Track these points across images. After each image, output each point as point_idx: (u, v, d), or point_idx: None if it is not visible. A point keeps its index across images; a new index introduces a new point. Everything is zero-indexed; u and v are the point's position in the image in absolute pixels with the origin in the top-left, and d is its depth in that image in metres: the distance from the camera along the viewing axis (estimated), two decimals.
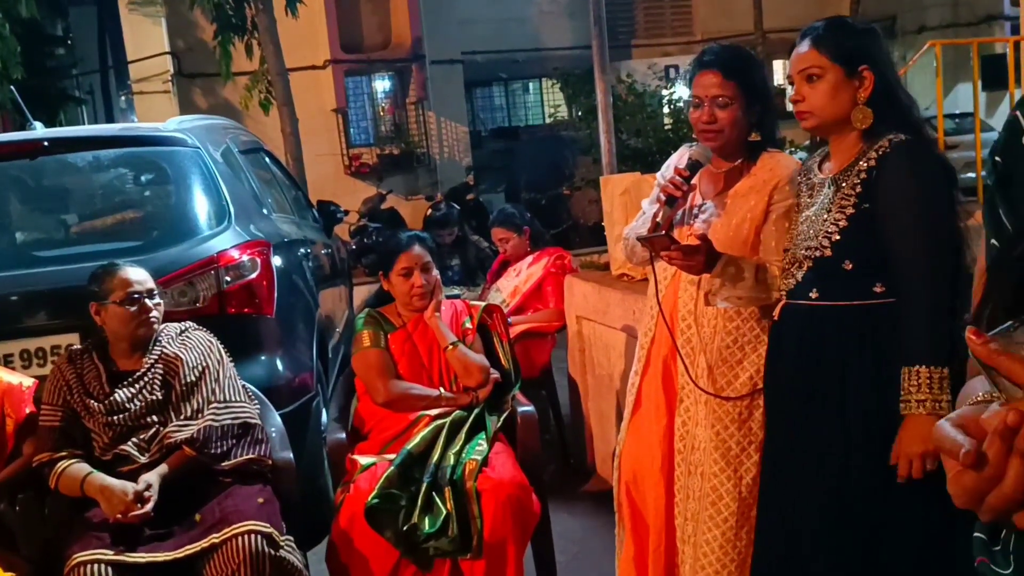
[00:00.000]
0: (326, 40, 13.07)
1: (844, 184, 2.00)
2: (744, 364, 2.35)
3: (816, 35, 2.03)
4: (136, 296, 2.58)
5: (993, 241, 0.82)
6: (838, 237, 1.99)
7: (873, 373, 1.95)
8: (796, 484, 2.13)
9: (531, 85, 16.12)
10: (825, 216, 2.02)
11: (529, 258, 4.43)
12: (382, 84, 14.49)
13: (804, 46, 2.04)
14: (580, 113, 12.05)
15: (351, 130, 13.73)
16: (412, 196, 13.19)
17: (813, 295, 2.05)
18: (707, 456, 2.38)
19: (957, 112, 11.50)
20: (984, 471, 0.68)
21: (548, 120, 15.00)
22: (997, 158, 0.82)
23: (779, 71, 14.28)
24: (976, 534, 0.76)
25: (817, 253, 2.03)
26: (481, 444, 2.78)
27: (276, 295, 3.41)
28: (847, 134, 2.03)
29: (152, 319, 2.60)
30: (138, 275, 2.62)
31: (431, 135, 13.97)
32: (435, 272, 3.03)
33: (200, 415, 2.57)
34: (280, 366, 3.40)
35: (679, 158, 2.48)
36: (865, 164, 1.97)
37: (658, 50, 15.29)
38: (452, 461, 2.70)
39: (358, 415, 3.06)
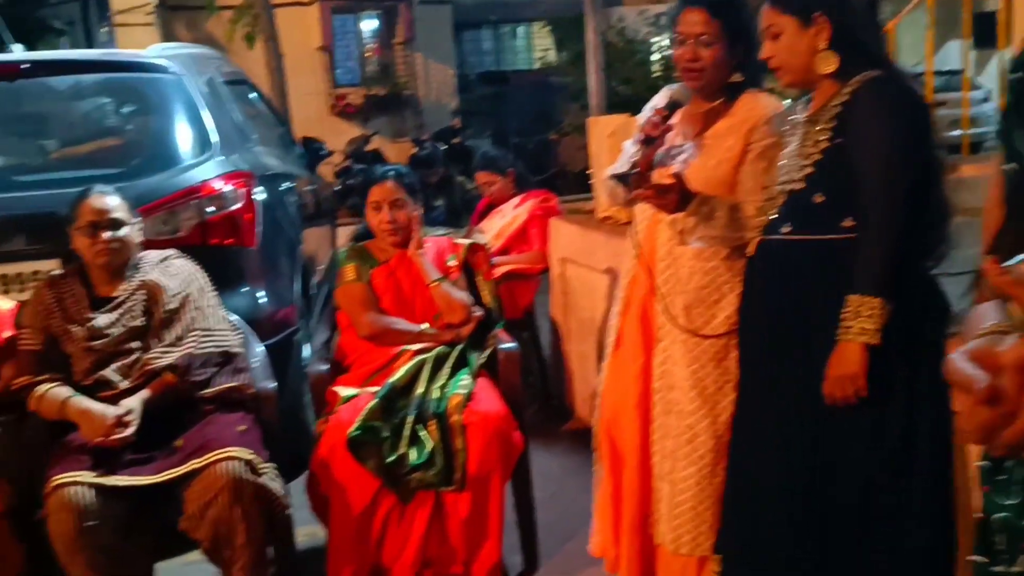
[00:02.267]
0: None
1: (820, 120, 2.02)
2: (722, 304, 2.36)
3: None
4: (96, 224, 2.55)
5: (1012, 166, 0.80)
6: (811, 171, 2.01)
7: (838, 306, 1.96)
8: (767, 420, 2.16)
9: (520, 29, 15.90)
10: (800, 151, 2.05)
11: (515, 200, 4.41)
12: (369, 23, 14.26)
13: (765, 5, 2.06)
14: (569, 58, 11.91)
15: (337, 69, 13.54)
16: (398, 138, 13.08)
17: (785, 230, 2.07)
18: (684, 395, 2.40)
19: (946, 69, 11.44)
20: (999, 406, 0.66)
21: (537, 65, 14.83)
22: (1013, 76, 0.79)
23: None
24: (980, 463, 0.76)
25: (790, 187, 2.05)
26: (465, 379, 2.80)
27: (259, 227, 3.39)
28: (824, 79, 2.04)
29: (111, 249, 2.55)
30: (104, 203, 2.57)
31: (418, 77, 13.80)
32: (410, 209, 2.99)
33: (182, 342, 2.57)
34: (263, 298, 3.39)
35: (659, 98, 2.48)
36: (839, 100, 1.99)
37: None
38: (437, 395, 2.72)
39: (340, 348, 3.07)
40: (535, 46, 15.57)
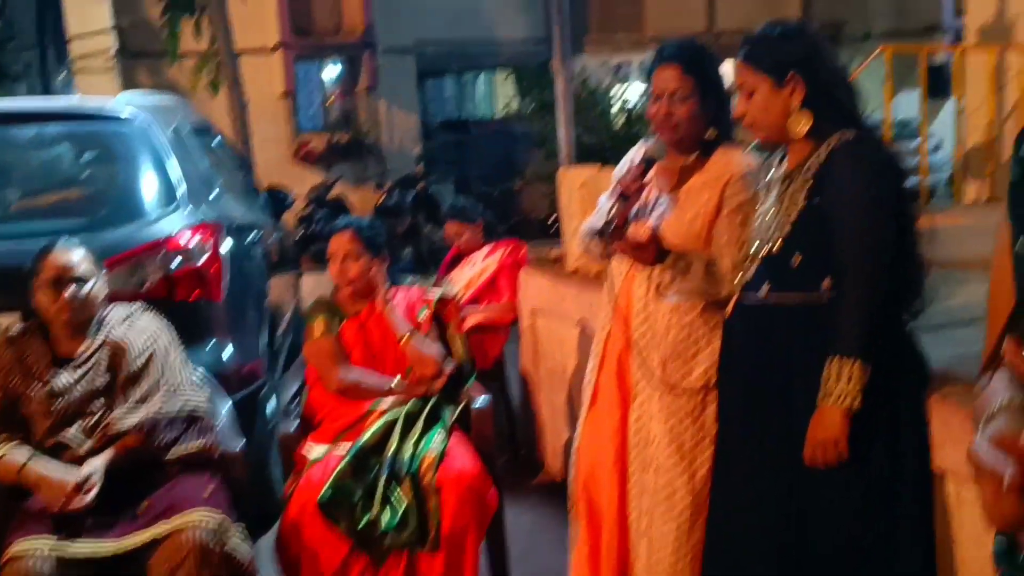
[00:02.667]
0: (276, 23, 12.84)
1: (796, 180, 2.03)
2: (698, 358, 2.36)
3: (744, 50, 2.07)
4: (59, 280, 2.47)
5: (1022, 245, 0.77)
6: (789, 230, 2.02)
7: (818, 367, 1.96)
8: (747, 478, 2.15)
9: (483, 77, 16.04)
10: (777, 211, 2.05)
11: (484, 250, 4.40)
12: (332, 70, 14.30)
13: (737, 62, 2.08)
14: (533, 106, 12.01)
15: (299, 116, 13.53)
16: (360, 184, 13.04)
17: (764, 290, 2.07)
18: (661, 451, 2.38)
19: (899, 118, 11.71)
20: None
21: (500, 113, 14.95)
22: (1022, 152, 0.78)
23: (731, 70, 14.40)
24: (998, 540, 0.74)
25: (768, 247, 2.05)
26: (438, 436, 2.75)
27: (225, 280, 3.33)
28: (797, 137, 2.05)
29: (74, 306, 2.47)
30: (68, 258, 2.50)
31: (381, 124, 13.82)
32: (366, 262, 2.95)
33: (147, 402, 2.49)
34: (229, 353, 3.32)
35: (635, 153, 2.49)
36: (816, 160, 2.00)
37: (610, 47, 15.33)
38: (409, 453, 2.67)
39: (309, 404, 3.00)
40: (498, 94, 15.70)
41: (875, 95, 7.52)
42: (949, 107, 7.50)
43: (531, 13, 13.71)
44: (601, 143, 9.68)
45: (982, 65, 6.33)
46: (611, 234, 2.30)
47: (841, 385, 1.89)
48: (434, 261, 5.26)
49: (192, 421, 2.57)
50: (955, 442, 1.94)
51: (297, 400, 3.09)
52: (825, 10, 15.60)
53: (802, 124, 2.01)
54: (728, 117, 2.40)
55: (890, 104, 6.32)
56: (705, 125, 2.38)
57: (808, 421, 1.96)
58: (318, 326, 2.96)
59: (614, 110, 11.50)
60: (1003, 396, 0.74)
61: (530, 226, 11.30)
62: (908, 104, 9.24)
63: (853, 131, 1.99)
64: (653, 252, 2.28)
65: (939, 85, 8.83)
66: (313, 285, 5.65)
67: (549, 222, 8.85)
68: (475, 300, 4.25)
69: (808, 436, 1.95)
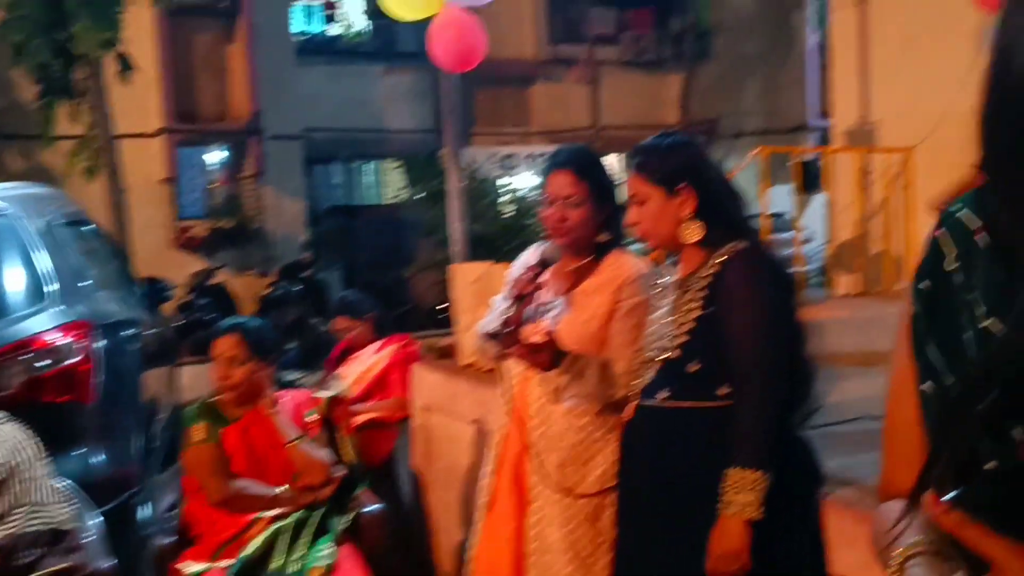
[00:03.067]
0: (159, 108, 12.60)
1: (691, 288, 2.06)
2: (595, 462, 2.35)
3: (636, 161, 2.13)
4: None
5: (929, 384, 0.76)
6: (685, 339, 2.04)
7: (717, 475, 1.96)
8: None
9: (373, 165, 16.09)
10: (673, 318, 2.07)
11: (374, 345, 4.30)
12: (217, 156, 14.08)
13: (629, 173, 2.13)
14: (423, 195, 12.08)
15: (182, 201, 13.21)
16: (244, 271, 12.74)
17: (662, 396, 2.08)
18: (558, 557, 2.35)
19: (772, 212, 12.31)
20: None
21: (389, 201, 14.98)
22: (921, 285, 0.76)
23: (615, 165, 14.91)
24: None
25: (666, 354, 2.07)
26: (326, 548, 2.62)
27: (98, 381, 3.13)
28: (691, 245, 2.10)
29: None
30: None
31: (267, 210, 13.62)
32: (252, 366, 2.84)
33: (6, 520, 2.28)
34: (100, 459, 3.11)
35: (530, 256, 2.50)
36: (710, 270, 2.04)
37: (496, 139, 15.67)
38: (295, 568, 2.53)
39: (186, 516, 2.83)
40: (387, 182, 15.75)
41: (751, 189, 7.90)
42: (820, 200, 7.91)
43: (421, 104, 13.93)
44: (490, 233, 9.78)
45: (849, 165, 6.72)
46: (506, 336, 2.28)
47: (742, 496, 1.89)
48: (321, 352, 5.11)
49: (57, 539, 2.36)
50: (850, 546, 1.95)
51: (174, 510, 2.90)
52: (700, 109, 16.44)
53: (693, 233, 2.06)
54: (620, 220, 2.44)
55: (764, 199, 6.63)
56: (598, 228, 2.41)
57: (708, 527, 1.95)
58: (197, 432, 2.81)
59: (503, 200, 11.69)
60: (915, 537, 0.72)
61: (420, 315, 11.24)
62: (781, 198, 9.72)
63: (745, 242, 2.04)
64: (549, 356, 2.28)
65: (810, 180, 9.35)
66: (193, 377, 5.41)
67: (439, 311, 8.83)
68: (365, 396, 4.13)
69: (710, 548, 1.93)
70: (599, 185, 2.39)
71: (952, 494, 0.67)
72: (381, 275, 11.68)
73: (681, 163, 2.08)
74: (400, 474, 4.37)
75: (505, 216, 11.09)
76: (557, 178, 2.39)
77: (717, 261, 2.03)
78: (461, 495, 3.75)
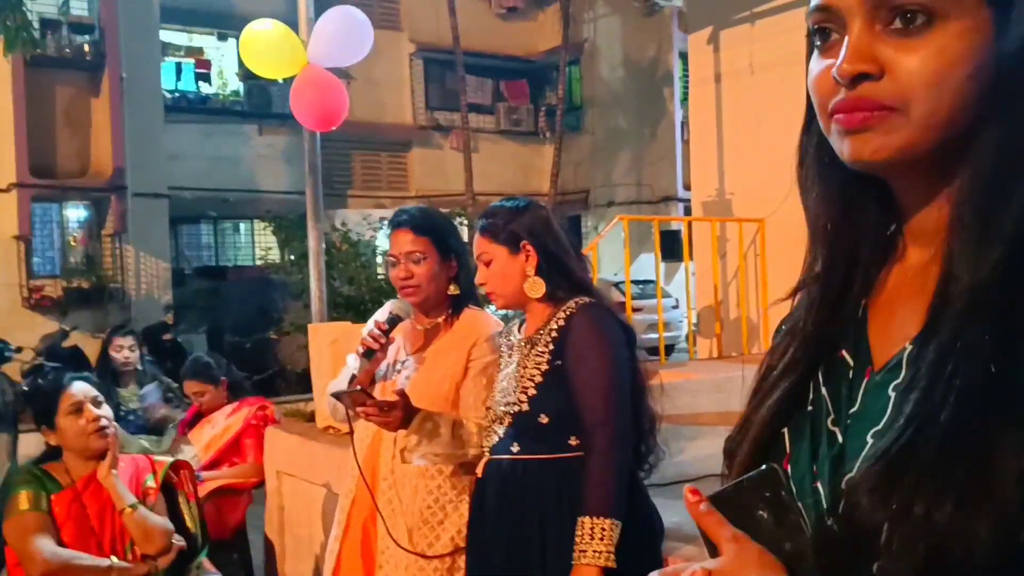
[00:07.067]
0: (12, 161, 12.04)
1: (538, 343, 2.10)
2: (446, 524, 2.32)
3: (482, 223, 2.20)
4: None
5: None
6: (534, 392, 2.07)
7: (570, 525, 1.97)
8: None
9: (242, 226, 15.78)
10: (521, 373, 2.10)
11: (227, 408, 4.12)
12: (76, 212, 13.51)
13: (477, 235, 2.20)
14: (292, 257, 11.88)
15: (34, 259, 12.56)
16: (99, 333, 12.14)
17: (514, 449, 2.10)
18: None
19: (641, 279, 12.70)
20: None
21: (258, 262, 14.67)
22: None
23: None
24: None
25: (515, 408, 2.09)
26: None
27: None
28: (536, 302, 2.15)
29: None
30: None
31: (128, 269, 13.11)
32: (109, 412, 2.71)
33: None
34: None
35: (381, 312, 2.49)
36: (555, 324, 2.09)
37: (373, 201, 15.65)
38: None
39: None
40: (257, 243, 15.44)
41: (618, 257, 8.11)
42: (688, 269, 8.19)
43: (293, 165, 13.80)
44: (360, 295, 9.67)
45: (707, 234, 6.99)
46: (355, 395, 2.23)
47: (595, 543, 1.91)
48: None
49: None
50: None
51: None
52: (573, 179, 16.91)
53: (536, 289, 2.12)
54: (468, 276, 2.46)
55: (629, 266, 6.79)
56: (447, 283, 2.42)
57: None
58: (22, 500, 2.60)
59: (376, 262, 11.60)
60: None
61: (287, 378, 10.95)
62: (648, 266, 10.03)
63: (587, 298, 2.10)
64: (400, 415, 2.24)
65: (674, 250, 9.69)
66: (33, 446, 5.08)
67: (308, 375, 8.61)
68: (216, 462, 3.95)
69: None
70: (441, 241, 2.41)
71: (723, 488, 0.73)
72: (246, 337, 11.36)
73: (523, 223, 2.15)
74: (252, 543, 4.17)
75: (379, 278, 11.01)
76: (398, 236, 2.41)
77: (562, 316, 2.08)
78: (314, 565, 3.61)
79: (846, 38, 0.70)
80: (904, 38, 0.68)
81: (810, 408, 0.78)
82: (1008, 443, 0.61)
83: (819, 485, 0.74)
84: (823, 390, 0.77)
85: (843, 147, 0.71)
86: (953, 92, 0.67)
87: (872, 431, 0.70)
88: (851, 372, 0.76)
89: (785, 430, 0.79)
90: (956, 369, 0.64)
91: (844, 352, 0.77)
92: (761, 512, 0.69)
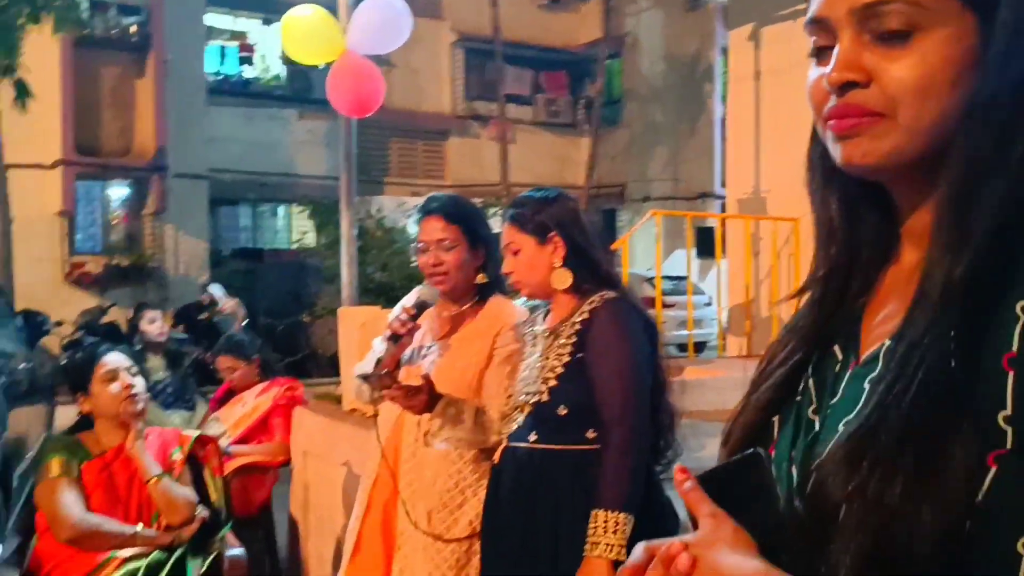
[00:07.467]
0: (59, 139, 12.25)
1: (562, 334, 2.12)
2: (464, 508, 2.34)
3: (511, 212, 2.22)
4: None
5: None
6: (555, 383, 2.09)
7: (584, 516, 1.99)
8: None
9: (280, 209, 15.92)
10: (544, 363, 2.12)
11: (258, 387, 4.19)
12: (118, 191, 13.73)
13: (505, 223, 2.22)
14: (326, 241, 11.99)
15: (77, 236, 12.79)
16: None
17: (532, 438, 2.12)
18: None
19: (674, 275, 12.64)
20: None
21: (294, 246, 14.80)
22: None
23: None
24: None
25: (536, 398, 2.11)
26: None
27: None
28: (561, 294, 2.17)
29: None
30: None
31: (167, 249, 13.30)
32: (142, 383, 2.78)
33: None
34: None
35: (409, 297, 2.52)
36: (579, 317, 2.11)
37: (409, 189, 15.71)
38: None
39: (36, 555, 2.68)
40: (294, 227, 15.59)
41: (651, 252, 8.09)
42: (723, 266, 8.16)
43: (332, 149, 13.86)
44: (394, 281, 9.74)
45: (741, 232, 6.95)
46: (379, 378, 2.27)
47: (607, 536, 1.92)
48: (198, 386, 4.98)
49: None
50: None
51: (24, 550, 2.75)
52: (608, 174, 16.83)
53: (563, 279, 2.13)
54: (496, 264, 2.48)
55: (661, 261, 6.78)
56: (475, 272, 2.45)
57: (574, 568, 1.96)
58: (54, 466, 2.69)
59: (409, 249, 11.67)
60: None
61: (318, 361, 11.06)
62: (681, 263, 9.97)
63: (613, 292, 2.12)
64: (425, 399, 2.27)
65: (708, 247, 9.63)
66: (68, 419, 5.19)
67: (339, 358, 8.69)
68: (244, 440, 4.02)
69: None
70: (470, 229, 2.43)
71: (712, 468, 0.76)
72: (279, 320, 11.48)
73: (552, 214, 2.16)
74: (278, 521, 4.24)
75: (412, 265, 11.08)
76: (428, 223, 2.43)
77: (587, 309, 2.10)
78: (336, 546, 3.66)
79: (836, 48, 0.73)
80: (890, 47, 0.71)
81: (798, 398, 0.82)
82: (959, 434, 0.64)
83: (793, 469, 0.78)
84: (810, 381, 0.81)
85: (836, 152, 0.75)
86: (939, 97, 0.70)
87: (844, 420, 0.74)
88: (838, 365, 0.80)
89: (776, 418, 0.82)
90: (920, 363, 0.67)
91: (836, 347, 0.81)
92: (742, 492, 0.72)
